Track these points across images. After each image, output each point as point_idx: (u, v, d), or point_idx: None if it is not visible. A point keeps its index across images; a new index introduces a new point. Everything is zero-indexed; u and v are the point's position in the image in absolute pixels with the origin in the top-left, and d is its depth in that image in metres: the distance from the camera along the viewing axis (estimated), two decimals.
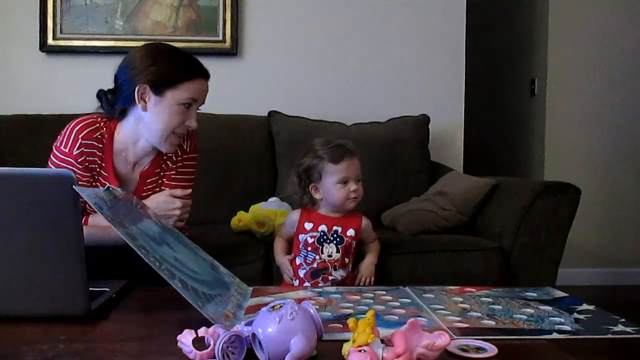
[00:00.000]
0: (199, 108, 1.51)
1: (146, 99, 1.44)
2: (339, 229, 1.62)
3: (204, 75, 1.48)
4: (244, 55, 2.74)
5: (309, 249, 1.61)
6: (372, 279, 1.67)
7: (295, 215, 1.67)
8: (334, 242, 1.61)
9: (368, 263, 1.68)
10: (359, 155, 1.66)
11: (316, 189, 1.62)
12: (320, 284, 1.58)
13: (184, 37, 2.67)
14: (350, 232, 1.63)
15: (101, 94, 1.50)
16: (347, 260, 1.63)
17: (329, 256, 1.60)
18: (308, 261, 1.61)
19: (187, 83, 1.43)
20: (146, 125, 1.47)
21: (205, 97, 1.50)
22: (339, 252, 1.61)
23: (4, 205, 0.90)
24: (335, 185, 1.59)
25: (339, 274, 1.61)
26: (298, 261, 1.63)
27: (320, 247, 1.61)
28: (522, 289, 1.23)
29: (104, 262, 1.21)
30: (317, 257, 1.60)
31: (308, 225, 1.63)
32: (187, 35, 2.68)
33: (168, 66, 1.44)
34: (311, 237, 1.62)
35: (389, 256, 1.83)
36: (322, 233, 1.61)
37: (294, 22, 2.77)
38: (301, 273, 1.61)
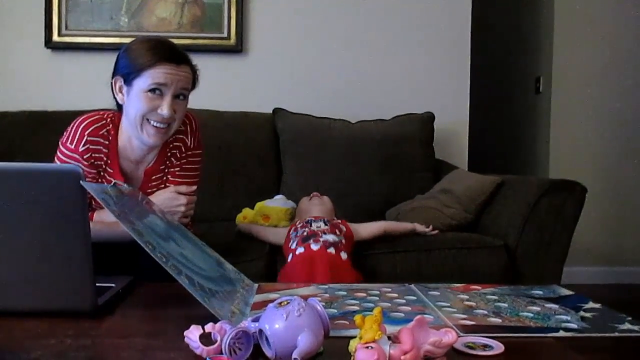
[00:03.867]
0: (181, 96, 1.44)
1: (123, 92, 1.44)
2: (326, 218, 1.80)
3: (169, 59, 1.40)
4: (249, 53, 2.74)
5: (299, 226, 1.75)
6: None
7: (286, 229, 1.84)
8: (322, 221, 1.77)
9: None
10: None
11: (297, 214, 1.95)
12: (312, 246, 1.65)
13: (188, 33, 2.67)
14: (337, 221, 1.81)
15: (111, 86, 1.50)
16: (337, 232, 1.73)
17: (318, 227, 1.73)
18: (298, 234, 1.72)
19: (149, 69, 1.39)
20: (126, 116, 1.46)
21: (181, 83, 1.42)
22: (327, 226, 1.74)
23: (11, 201, 0.91)
24: (302, 199, 1.96)
25: (330, 237, 1.68)
26: (290, 242, 1.72)
27: (309, 224, 1.75)
28: (528, 287, 1.22)
29: (109, 258, 1.21)
30: (307, 229, 1.73)
31: (297, 223, 1.81)
32: (192, 32, 2.68)
33: (134, 55, 1.42)
34: (299, 223, 1.78)
35: (394, 254, 1.83)
36: (310, 219, 1.79)
37: (299, 19, 2.77)
38: (293, 245, 1.69)
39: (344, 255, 1.65)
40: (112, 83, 1.46)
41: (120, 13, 2.66)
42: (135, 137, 1.48)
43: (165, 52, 1.41)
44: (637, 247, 3.28)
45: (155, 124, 1.43)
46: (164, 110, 1.41)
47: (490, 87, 3.90)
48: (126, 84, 1.43)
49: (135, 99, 1.42)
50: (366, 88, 2.78)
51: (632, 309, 1.06)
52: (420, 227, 1.95)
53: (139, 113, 1.42)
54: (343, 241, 1.71)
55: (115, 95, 1.47)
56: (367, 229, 1.86)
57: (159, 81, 1.40)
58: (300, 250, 1.65)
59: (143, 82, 1.40)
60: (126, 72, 1.42)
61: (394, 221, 2.04)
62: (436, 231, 1.96)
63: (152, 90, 1.40)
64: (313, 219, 1.78)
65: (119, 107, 1.49)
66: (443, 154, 2.68)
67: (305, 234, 1.70)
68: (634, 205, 3.30)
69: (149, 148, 1.51)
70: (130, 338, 0.86)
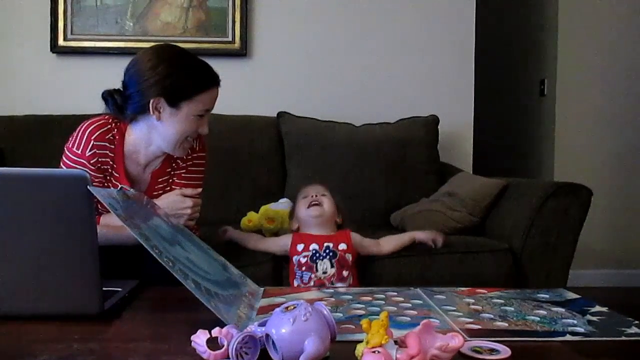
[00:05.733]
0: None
1: (160, 110, 1.43)
2: (331, 245, 1.67)
3: (217, 82, 1.47)
4: (253, 56, 2.75)
5: (303, 268, 1.65)
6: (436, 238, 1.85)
7: (287, 239, 1.74)
8: (327, 257, 1.65)
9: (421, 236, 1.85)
10: (325, 184, 1.83)
11: (295, 218, 1.77)
12: None
13: (193, 37, 2.68)
14: (342, 245, 1.68)
15: (107, 97, 1.47)
16: (345, 273, 1.65)
17: (324, 272, 1.64)
18: (304, 281, 1.64)
19: (202, 94, 1.44)
20: (159, 133, 1.47)
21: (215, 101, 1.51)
22: (333, 267, 1.64)
23: (19, 206, 0.91)
24: (300, 202, 1.75)
25: (338, 285, 1.61)
26: (295, 283, 1.65)
27: (315, 265, 1.65)
28: (534, 291, 1.22)
29: (116, 262, 1.21)
30: (312, 275, 1.64)
31: (300, 247, 1.69)
32: (197, 36, 2.69)
33: (183, 78, 1.42)
34: (304, 257, 1.67)
35: (399, 257, 1.83)
36: (314, 251, 1.66)
37: (303, 23, 2.77)
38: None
39: None
40: (147, 101, 1.41)
41: (126, 17, 2.67)
42: (167, 150, 1.50)
43: (213, 74, 1.47)
44: None
45: (189, 139, 1.50)
46: (205, 130, 1.50)
47: (495, 90, 3.90)
48: (171, 105, 1.42)
49: (182, 121, 1.44)
50: (370, 91, 2.78)
51: (639, 312, 1.06)
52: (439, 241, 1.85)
53: (185, 134, 1.46)
54: (351, 280, 1.66)
55: (152, 113, 1.42)
56: (391, 244, 1.80)
57: (209, 107, 1.48)
58: None
59: (195, 106, 1.44)
60: (175, 94, 1.41)
61: (418, 231, 1.90)
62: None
63: (201, 114, 1.46)
64: (317, 252, 1.65)
65: (133, 117, 1.48)
66: (448, 157, 2.68)
67: (312, 284, 1.62)
68: (639, 207, 3.29)
69: (163, 153, 1.53)
70: (137, 342, 0.87)
